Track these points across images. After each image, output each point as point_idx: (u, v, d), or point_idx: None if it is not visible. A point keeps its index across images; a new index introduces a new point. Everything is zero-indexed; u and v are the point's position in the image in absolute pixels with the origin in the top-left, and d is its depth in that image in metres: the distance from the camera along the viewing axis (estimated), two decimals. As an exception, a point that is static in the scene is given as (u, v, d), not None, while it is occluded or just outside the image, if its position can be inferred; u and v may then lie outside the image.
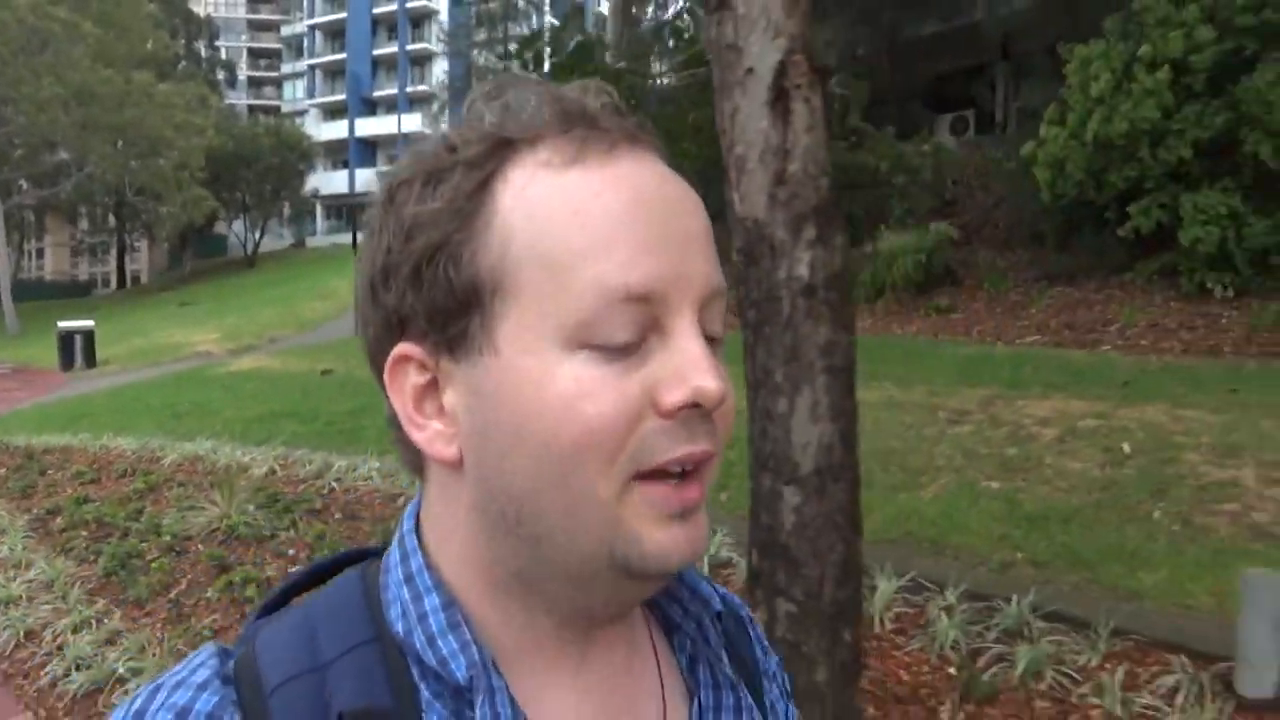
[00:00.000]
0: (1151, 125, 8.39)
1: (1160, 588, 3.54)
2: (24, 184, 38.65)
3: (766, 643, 0.68)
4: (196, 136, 33.77)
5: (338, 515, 5.64)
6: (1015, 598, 3.45)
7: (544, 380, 0.46)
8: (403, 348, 0.50)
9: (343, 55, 51.83)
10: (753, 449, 2.62)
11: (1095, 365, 7.19)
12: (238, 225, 46.34)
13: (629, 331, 0.46)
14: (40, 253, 58.47)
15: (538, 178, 0.48)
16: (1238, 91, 8.31)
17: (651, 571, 0.48)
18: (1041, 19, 11.07)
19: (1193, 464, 4.55)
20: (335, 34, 52.82)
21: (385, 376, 0.51)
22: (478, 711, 0.48)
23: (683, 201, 0.50)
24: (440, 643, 0.49)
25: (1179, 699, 2.86)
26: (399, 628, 0.50)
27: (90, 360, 21.36)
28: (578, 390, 0.46)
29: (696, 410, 0.47)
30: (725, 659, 0.58)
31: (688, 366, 0.47)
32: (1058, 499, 4.42)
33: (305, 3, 53.87)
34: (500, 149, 0.49)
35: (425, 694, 0.49)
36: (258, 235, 45.64)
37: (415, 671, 0.50)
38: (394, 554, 0.54)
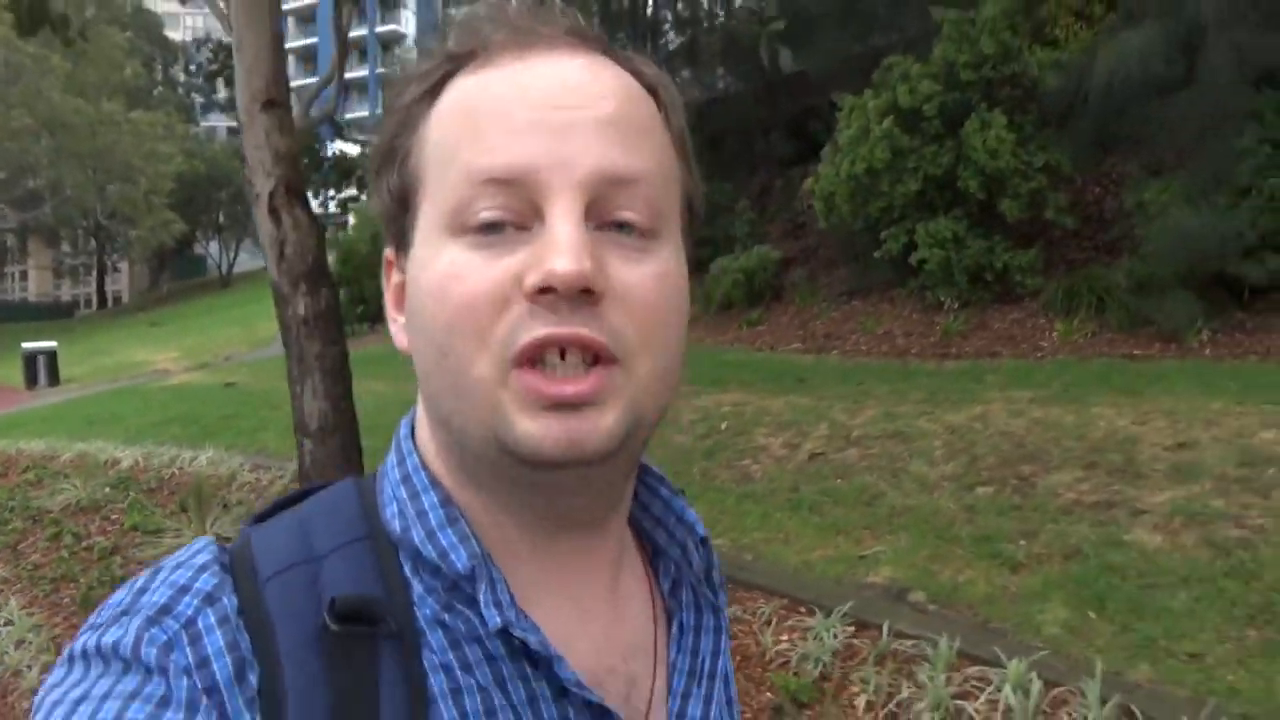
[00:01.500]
0: (885, 164, 10.16)
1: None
2: (4, 208, 40.68)
3: (718, 561, 0.68)
4: (164, 164, 35.69)
5: (164, 491, 7.40)
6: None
7: (429, 265, 0.50)
8: (386, 252, 0.57)
9: (314, 79, 53.81)
10: (294, 418, 4.40)
11: (781, 364, 8.99)
12: (214, 246, 48.25)
13: (496, 214, 0.48)
14: (24, 275, 60.47)
15: (457, 84, 0.52)
16: (963, 135, 10.08)
17: (529, 458, 0.48)
18: (847, 73, 12.80)
19: (760, 436, 6.31)
20: (308, 58, 54.88)
21: (383, 278, 0.58)
22: (481, 598, 0.50)
23: (579, 89, 0.50)
24: (440, 536, 0.52)
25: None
26: (396, 525, 0.53)
27: (53, 378, 23.10)
28: (450, 271, 0.49)
29: (559, 295, 0.47)
30: (704, 582, 0.63)
31: (548, 249, 0.47)
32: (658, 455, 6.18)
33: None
34: (447, 63, 0.53)
35: (418, 589, 0.52)
36: (232, 256, 47.53)
37: (408, 567, 0.52)
38: (390, 457, 0.57)
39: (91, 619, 0.50)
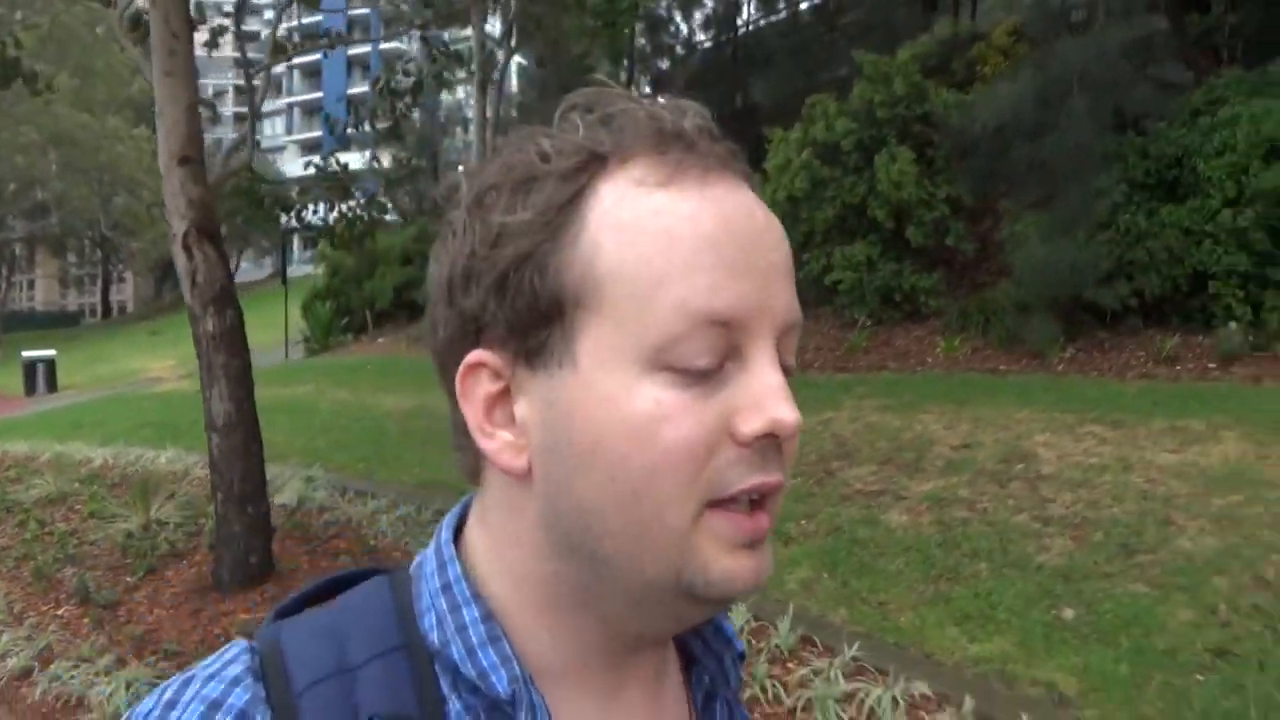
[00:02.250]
0: (805, 193, 11.11)
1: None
2: (14, 219, 42.10)
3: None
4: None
5: (124, 485, 8.37)
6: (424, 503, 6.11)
7: (622, 399, 0.47)
8: (478, 354, 0.51)
9: (319, 94, 55.20)
10: (205, 417, 5.36)
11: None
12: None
13: (709, 356, 0.47)
14: (31, 284, 61.98)
15: (629, 195, 0.49)
16: (875, 168, 11.03)
17: (716, 597, 0.49)
18: (791, 108, 13.76)
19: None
20: (312, 74, 56.31)
21: (457, 382, 0.52)
22: None
23: (769, 232, 0.50)
24: (480, 655, 0.50)
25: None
26: (434, 637, 0.51)
27: (52, 385, 24.22)
28: (656, 412, 0.46)
29: (772, 440, 0.48)
30: (741, 701, 0.61)
31: (766, 396, 0.47)
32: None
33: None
34: (593, 163, 0.50)
35: (456, 706, 0.50)
36: (234, 267, 48.79)
37: (445, 683, 0.50)
38: (429, 562, 0.55)
39: None
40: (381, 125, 10.16)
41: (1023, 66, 9.82)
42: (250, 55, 7.67)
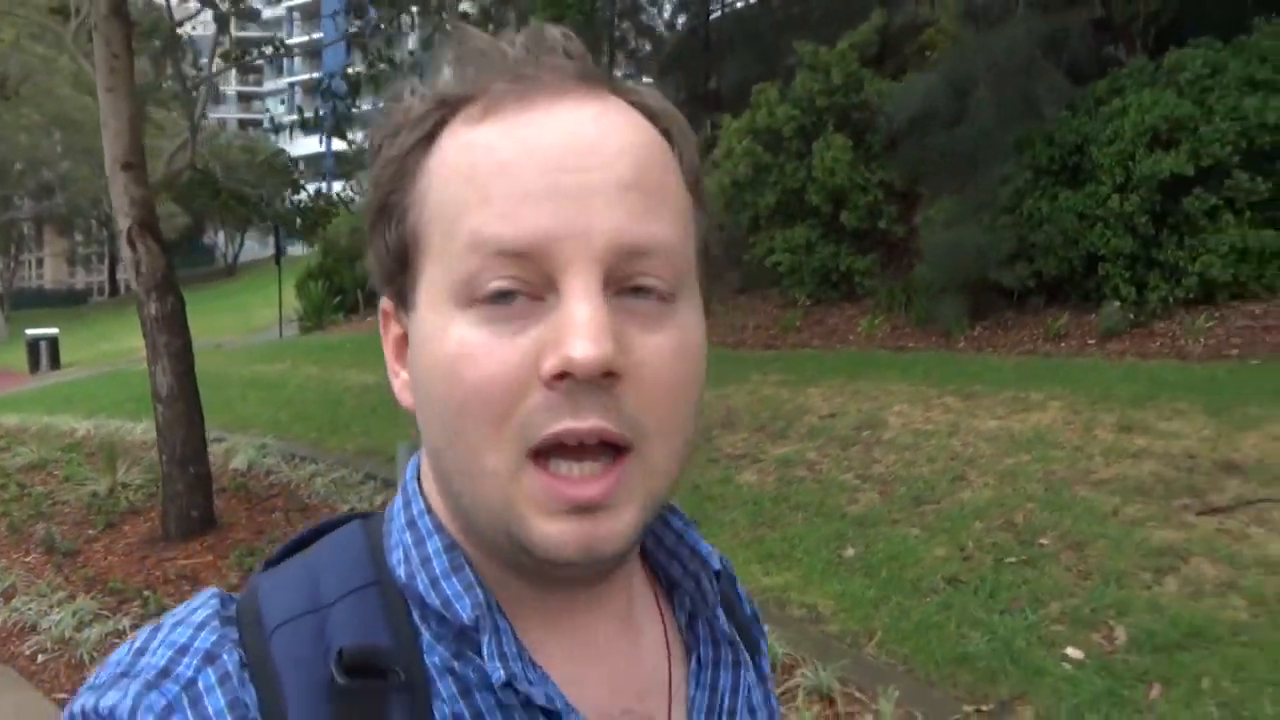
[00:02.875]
0: (748, 179, 11.78)
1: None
2: (20, 199, 43.08)
3: (747, 594, 0.70)
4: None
5: (101, 453, 9.21)
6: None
7: (438, 338, 0.48)
8: (383, 302, 0.55)
9: (319, 74, 55.90)
10: (150, 389, 6.15)
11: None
12: (222, 236, 50.48)
13: (508, 284, 0.46)
14: (40, 263, 63.14)
15: (457, 134, 0.49)
16: (813, 154, 11.68)
17: (543, 558, 0.48)
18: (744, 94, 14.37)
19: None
20: (314, 54, 56.93)
21: (381, 328, 0.55)
22: (484, 649, 0.49)
23: (591, 149, 0.47)
24: (444, 584, 0.51)
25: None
26: (400, 572, 0.52)
27: (55, 362, 25.17)
28: (460, 351, 0.46)
29: (576, 380, 0.45)
30: (722, 616, 0.61)
31: (566, 331, 0.45)
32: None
33: (285, 24, 58.02)
34: (439, 108, 0.50)
35: (427, 636, 0.51)
36: (238, 246, 49.72)
37: (416, 614, 0.51)
38: (396, 501, 0.56)
39: (91, 678, 0.50)
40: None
41: (942, 58, 10.43)
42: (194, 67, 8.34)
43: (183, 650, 0.48)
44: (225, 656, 0.49)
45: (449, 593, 0.51)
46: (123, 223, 5.77)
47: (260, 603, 0.52)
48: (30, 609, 5.19)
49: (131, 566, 5.85)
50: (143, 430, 9.82)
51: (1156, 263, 8.54)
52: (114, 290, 56.51)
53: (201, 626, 0.50)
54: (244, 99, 66.69)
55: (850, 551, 4.52)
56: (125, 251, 5.86)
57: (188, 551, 5.95)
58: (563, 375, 0.45)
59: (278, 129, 12.63)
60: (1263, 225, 8.13)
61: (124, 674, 0.48)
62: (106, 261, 56.49)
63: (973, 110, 9.43)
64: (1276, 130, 8.00)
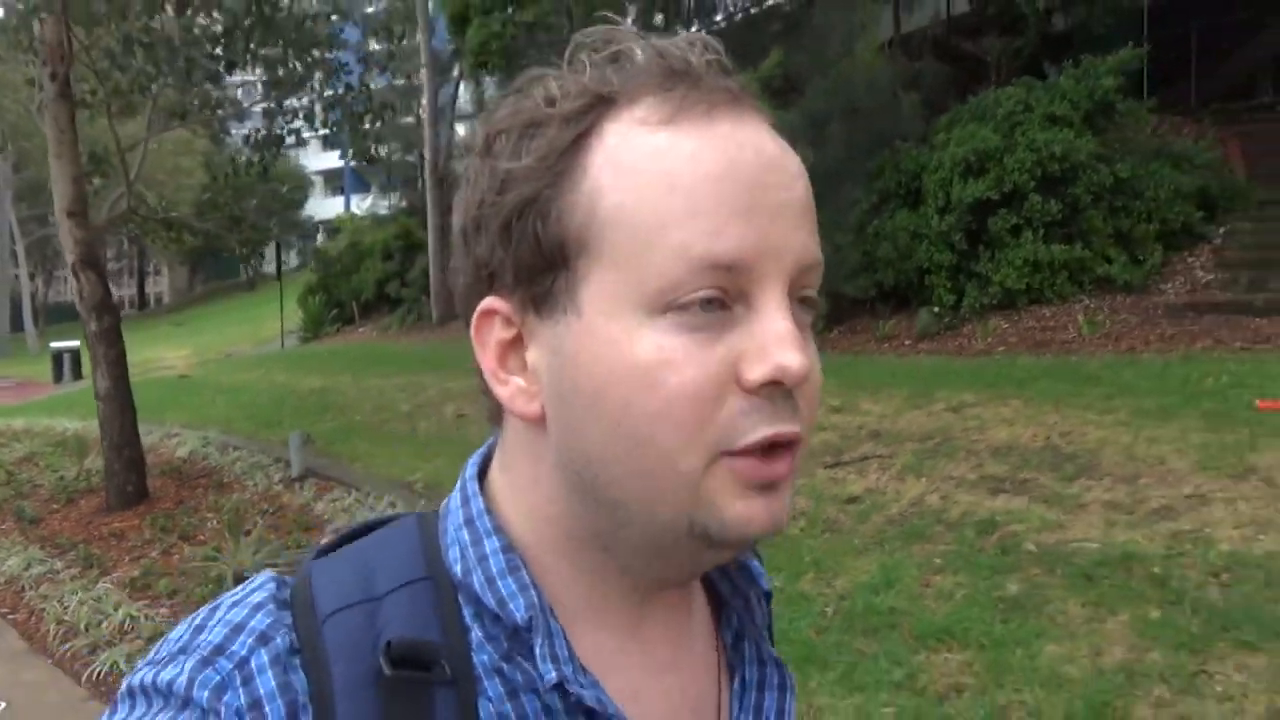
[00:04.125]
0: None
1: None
2: (53, 217, 45.87)
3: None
4: (186, 177, 40.12)
5: (84, 449, 10.99)
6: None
7: (625, 345, 0.48)
8: (489, 301, 0.53)
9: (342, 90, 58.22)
10: (93, 390, 7.85)
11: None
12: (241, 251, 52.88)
13: (711, 293, 0.47)
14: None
15: (631, 136, 0.49)
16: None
17: (731, 540, 0.50)
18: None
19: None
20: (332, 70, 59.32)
21: (472, 329, 0.54)
22: (537, 651, 0.50)
23: (780, 169, 0.50)
24: (500, 584, 0.52)
25: (269, 482, 7.96)
26: (457, 569, 0.53)
27: (77, 373, 27.25)
28: (659, 357, 0.47)
29: (779, 388, 0.48)
30: (768, 638, 0.62)
31: (771, 341, 0.47)
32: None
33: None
34: (597, 105, 0.50)
35: (477, 635, 0.52)
36: (259, 259, 52.14)
37: (468, 613, 0.52)
38: (454, 499, 0.57)
39: (151, 654, 0.52)
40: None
41: (807, 95, 11.90)
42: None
43: (238, 629, 0.50)
44: (279, 639, 0.50)
45: (504, 592, 0.51)
46: (68, 258, 7.48)
47: (314, 589, 0.53)
48: (-7, 556, 6.92)
49: (77, 529, 7.56)
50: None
51: (972, 273, 9.96)
52: (143, 303, 59.30)
53: (258, 608, 0.51)
54: (269, 115, 69.32)
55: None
56: (72, 281, 7.57)
57: (122, 518, 7.63)
58: (771, 383, 0.47)
59: (297, 144, 13.81)
60: (1054, 241, 9.53)
61: (181, 650, 0.50)
62: (135, 276, 59.29)
63: (832, 140, 10.91)
64: (1063, 159, 9.41)
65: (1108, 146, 9.69)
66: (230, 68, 7.29)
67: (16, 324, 44.36)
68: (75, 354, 27.26)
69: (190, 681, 0.48)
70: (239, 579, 5.54)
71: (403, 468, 7.74)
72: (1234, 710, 2.90)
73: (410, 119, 30.37)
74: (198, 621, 0.52)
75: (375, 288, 25.28)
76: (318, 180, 56.01)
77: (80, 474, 9.20)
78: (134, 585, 5.91)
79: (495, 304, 0.53)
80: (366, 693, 0.49)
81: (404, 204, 28.98)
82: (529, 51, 14.30)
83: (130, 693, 0.50)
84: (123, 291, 65.27)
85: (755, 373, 0.47)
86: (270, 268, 52.19)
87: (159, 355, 29.14)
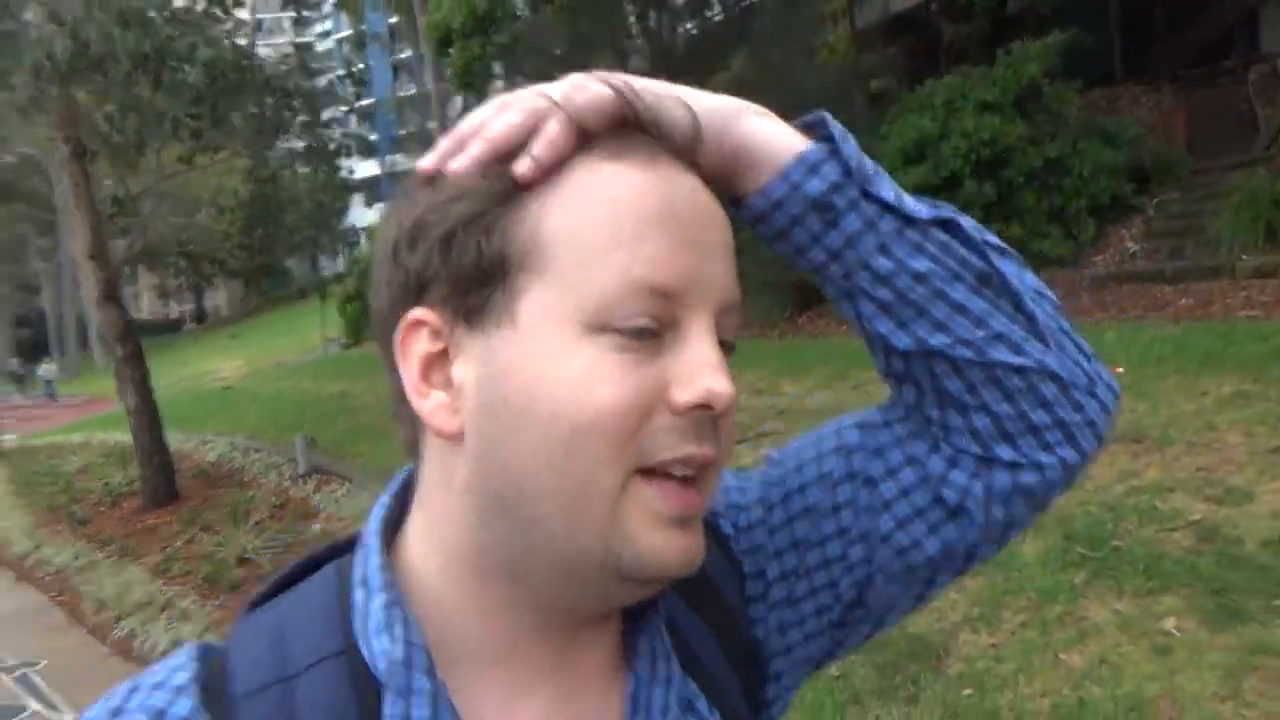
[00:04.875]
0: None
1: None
2: (113, 240, 48.37)
3: (723, 505, 0.69)
4: (230, 197, 42.10)
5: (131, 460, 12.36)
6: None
7: (561, 358, 0.49)
8: (418, 312, 0.52)
9: (372, 99, 60.12)
10: (124, 406, 9.12)
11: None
12: (290, 262, 55.04)
13: (648, 321, 0.50)
14: (138, 296, 69.42)
15: (578, 164, 0.52)
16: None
17: (646, 575, 0.51)
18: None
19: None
20: (361, 81, 61.34)
21: (397, 341, 0.53)
22: (385, 711, 0.50)
23: (712, 215, 0.54)
24: (375, 640, 0.51)
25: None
26: (356, 629, 0.52)
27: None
28: (594, 372, 0.49)
29: (705, 412, 0.50)
30: (663, 629, 0.60)
31: (702, 367, 0.50)
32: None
33: (335, 53, 62.40)
34: None
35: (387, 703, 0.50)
36: (311, 267, 54.18)
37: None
38: (357, 555, 0.56)
39: None
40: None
41: (766, 95, 12.68)
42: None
43: (159, 715, 0.49)
44: None
45: (376, 650, 0.51)
46: (89, 293, 8.74)
47: (229, 666, 0.52)
48: (49, 552, 8.22)
49: (118, 526, 8.85)
50: (173, 439, 12.98)
51: (919, 256, 10.73)
52: (201, 317, 61.96)
53: (180, 691, 0.50)
54: (308, 127, 71.62)
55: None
56: (95, 313, 8.82)
57: (156, 515, 8.90)
58: (699, 407, 0.50)
59: (337, 154, 14.50)
60: (993, 221, 10.24)
61: None
62: (195, 291, 61.94)
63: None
64: (993, 144, 10.11)
65: (1037, 129, 10.35)
66: (217, 123, 8.41)
67: (84, 343, 46.96)
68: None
69: None
70: (240, 560, 6.71)
71: (392, 462, 8.84)
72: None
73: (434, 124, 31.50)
74: (113, 704, 0.50)
75: (408, 294, 26.47)
76: (357, 190, 58.23)
77: (124, 480, 10.53)
78: (157, 569, 7.13)
79: (425, 315, 0.52)
80: None
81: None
82: (508, 73, 15.32)
83: None
84: (183, 307, 68.27)
85: (684, 396, 0.49)
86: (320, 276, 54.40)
87: (215, 367, 30.95)
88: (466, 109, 25.73)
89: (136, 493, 9.89)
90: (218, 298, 65.55)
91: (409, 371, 0.52)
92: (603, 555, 0.50)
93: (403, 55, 57.51)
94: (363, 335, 27.59)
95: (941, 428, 0.64)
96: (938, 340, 0.61)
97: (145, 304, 69.86)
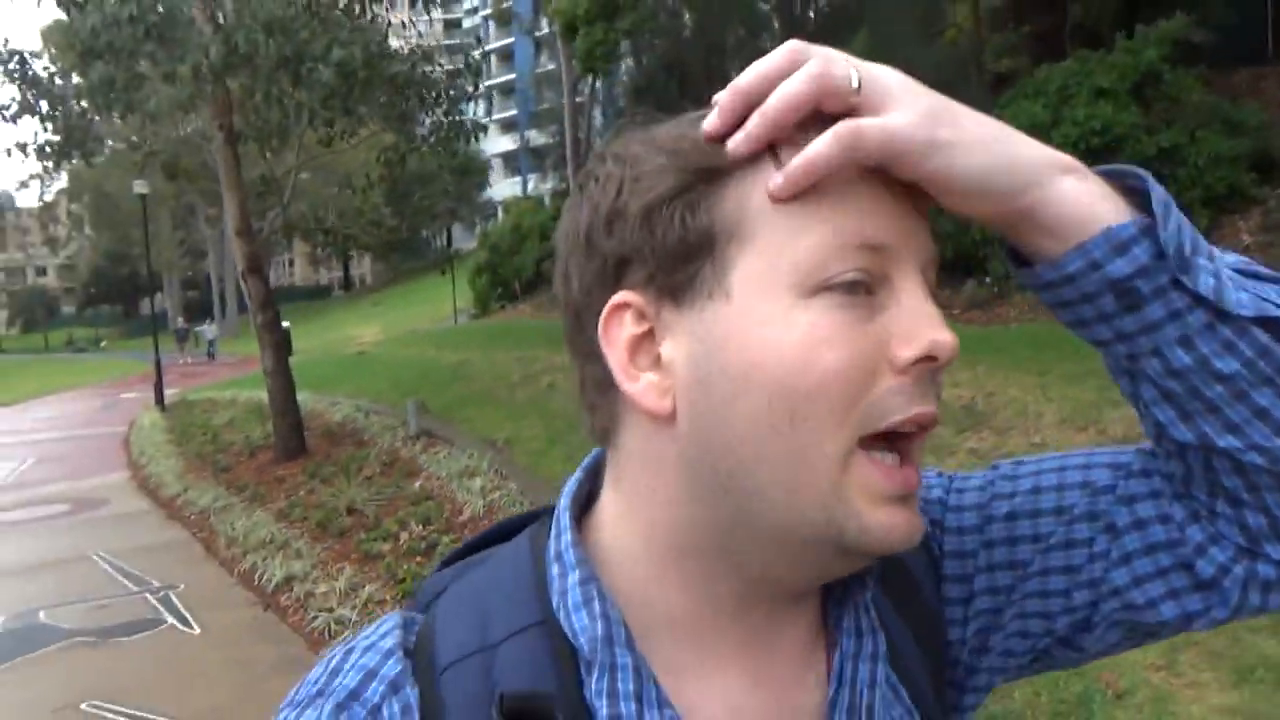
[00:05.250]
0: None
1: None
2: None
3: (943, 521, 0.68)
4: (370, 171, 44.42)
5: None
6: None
7: (780, 323, 0.49)
8: (622, 295, 0.53)
9: (512, 75, 61.80)
10: (262, 368, 10.17)
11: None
12: (429, 234, 57.56)
13: (861, 276, 0.50)
14: (291, 262, 73.96)
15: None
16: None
17: (870, 549, 0.51)
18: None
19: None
20: (506, 57, 63.02)
21: (601, 326, 0.54)
22: (592, 686, 0.52)
23: (908, 183, 0.53)
24: (574, 617, 0.53)
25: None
26: (555, 604, 0.54)
27: (288, 350, 31.14)
28: (815, 336, 0.49)
29: (929, 366, 0.50)
30: (871, 606, 0.60)
31: (923, 320, 0.50)
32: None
33: (481, 31, 64.38)
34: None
35: (583, 670, 0.53)
36: (444, 241, 56.57)
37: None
38: (551, 531, 0.58)
39: (291, 694, 0.55)
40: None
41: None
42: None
43: (371, 675, 0.53)
44: (408, 689, 0.53)
45: (577, 627, 0.53)
46: (239, 266, 9.76)
47: (435, 637, 0.55)
48: (192, 494, 9.34)
49: (253, 475, 9.91)
50: (305, 399, 14.23)
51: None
52: (348, 285, 65.50)
53: (389, 655, 0.54)
54: (453, 101, 74.30)
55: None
56: (244, 284, 9.85)
57: (285, 467, 9.91)
58: (926, 360, 0.50)
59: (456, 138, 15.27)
60: (1099, 212, 10.11)
61: (319, 693, 0.53)
62: (342, 260, 65.50)
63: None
64: (1103, 133, 9.95)
65: (1153, 116, 10.11)
66: (348, 113, 9.25)
67: (242, 306, 50.52)
68: (286, 332, 31.10)
69: None
70: (349, 510, 7.53)
71: (494, 428, 9.58)
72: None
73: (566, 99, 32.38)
74: (333, 664, 0.55)
75: (534, 266, 27.40)
76: (497, 163, 60.06)
77: (261, 435, 11.69)
78: (280, 514, 8.05)
79: (628, 297, 0.53)
80: None
81: (563, 185, 31.16)
82: (635, 53, 15.79)
83: None
84: (332, 274, 72.40)
85: (908, 350, 0.49)
86: (459, 247, 56.65)
87: (357, 333, 32.98)
88: (594, 88, 26.30)
89: (270, 446, 10.99)
90: (364, 266, 69.18)
91: (616, 355, 0.53)
92: (825, 525, 0.50)
93: (543, 31, 58.87)
94: (489, 307, 28.83)
95: (1208, 511, 0.59)
96: (1227, 442, 0.55)
97: (298, 270, 74.36)
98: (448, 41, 74.57)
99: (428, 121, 10.93)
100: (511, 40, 61.21)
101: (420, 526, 6.88)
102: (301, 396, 14.33)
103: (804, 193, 0.50)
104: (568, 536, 0.56)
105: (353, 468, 8.92)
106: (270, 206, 12.77)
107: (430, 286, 45.81)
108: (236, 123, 9.97)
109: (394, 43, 10.85)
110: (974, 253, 11.15)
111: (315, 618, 5.52)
